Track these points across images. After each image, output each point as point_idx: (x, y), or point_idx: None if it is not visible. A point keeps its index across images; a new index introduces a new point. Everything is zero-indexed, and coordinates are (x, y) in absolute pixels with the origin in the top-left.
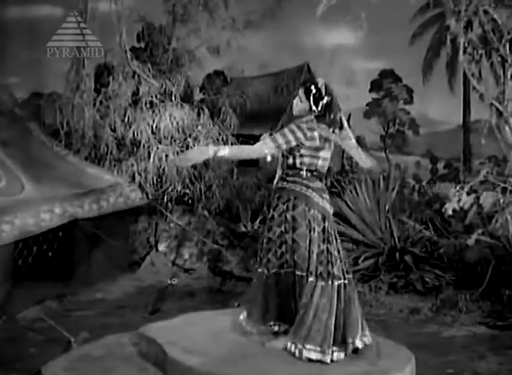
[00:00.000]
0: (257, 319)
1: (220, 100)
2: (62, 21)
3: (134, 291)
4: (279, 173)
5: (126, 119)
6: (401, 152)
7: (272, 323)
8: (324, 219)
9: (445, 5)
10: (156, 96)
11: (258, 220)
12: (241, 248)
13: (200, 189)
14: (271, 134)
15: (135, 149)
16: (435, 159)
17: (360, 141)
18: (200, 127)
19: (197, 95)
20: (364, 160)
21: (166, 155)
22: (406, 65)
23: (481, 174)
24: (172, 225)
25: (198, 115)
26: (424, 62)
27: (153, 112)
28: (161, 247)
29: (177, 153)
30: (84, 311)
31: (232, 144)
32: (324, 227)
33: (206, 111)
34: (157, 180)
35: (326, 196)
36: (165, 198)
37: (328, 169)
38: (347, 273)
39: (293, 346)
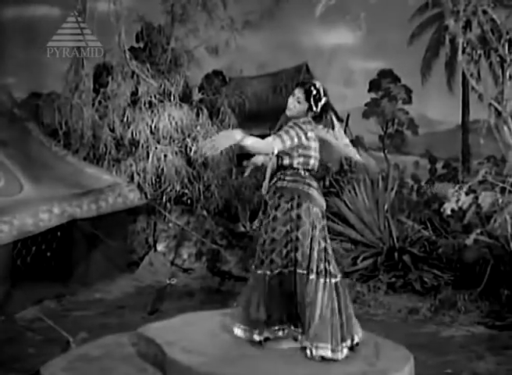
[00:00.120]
0: (254, 323)
1: (219, 100)
2: (60, 21)
3: (133, 291)
4: (269, 174)
5: (125, 119)
6: (400, 152)
7: (276, 328)
8: (323, 216)
9: (444, 5)
10: (155, 96)
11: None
12: (240, 248)
13: (199, 189)
14: (273, 134)
15: (134, 149)
16: (434, 159)
17: (359, 140)
18: (199, 127)
19: (196, 95)
20: (358, 155)
21: (165, 155)
22: (405, 65)
23: (479, 174)
24: (170, 225)
25: (197, 115)
26: (422, 62)
27: (152, 112)
28: (160, 247)
29: (176, 153)
30: (83, 311)
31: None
32: (323, 225)
33: (205, 111)
34: (155, 180)
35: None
36: (164, 198)
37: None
38: (338, 271)
39: (306, 346)
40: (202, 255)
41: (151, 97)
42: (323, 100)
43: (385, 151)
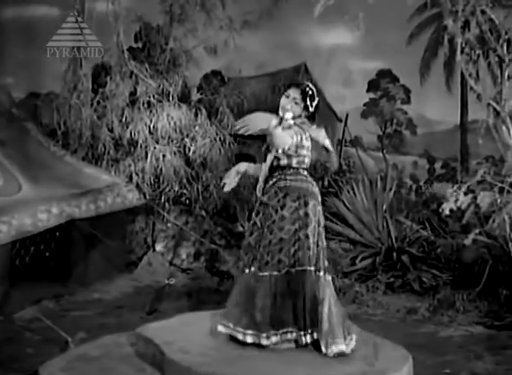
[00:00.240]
0: (260, 326)
1: (217, 100)
2: (59, 21)
3: (131, 291)
4: (265, 175)
5: (124, 119)
6: (398, 152)
7: (284, 331)
8: (323, 214)
9: (442, 5)
10: (153, 96)
11: None
12: (238, 248)
13: (197, 189)
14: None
15: (132, 149)
16: (433, 159)
17: (357, 140)
18: (197, 127)
19: (195, 95)
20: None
21: (163, 155)
22: (403, 65)
23: (478, 174)
24: (169, 225)
25: (196, 115)
26: (421, 62)
27: (150, 112)
28: (159, 247)
29: (175, 153)
30: (81, 311)
31: (230, 144)
32: (324, 223)
33: (203, 111)
34: (154, 180)
35: None
36: (163, 198)
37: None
38: None
39: (322, 343)
40: (201, 255)
41: (149, 97)
42: (316, 100)
43: (384, 151)
